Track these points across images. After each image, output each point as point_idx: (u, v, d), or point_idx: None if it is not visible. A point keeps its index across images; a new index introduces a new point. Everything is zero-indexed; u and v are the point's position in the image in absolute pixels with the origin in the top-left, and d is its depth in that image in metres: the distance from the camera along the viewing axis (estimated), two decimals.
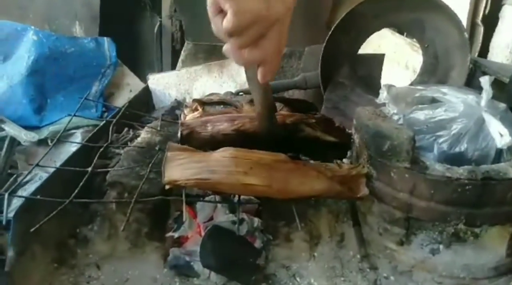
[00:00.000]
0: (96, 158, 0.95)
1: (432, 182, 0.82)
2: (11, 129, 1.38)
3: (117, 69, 1.67)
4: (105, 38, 1.65)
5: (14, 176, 1.24)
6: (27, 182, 1.17)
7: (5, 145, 1.34)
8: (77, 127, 1.44)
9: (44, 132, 1.44)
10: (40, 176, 1.17)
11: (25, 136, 1.37)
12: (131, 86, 1.67)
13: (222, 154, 0.85)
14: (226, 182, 0.82)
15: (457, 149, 0.88)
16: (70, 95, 1.55)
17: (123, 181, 0.96)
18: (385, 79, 1.54)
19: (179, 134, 0.95)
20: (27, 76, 1.50)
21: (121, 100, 1.59)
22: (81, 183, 0.84)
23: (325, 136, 1.00)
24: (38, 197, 0.85)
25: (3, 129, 1.38)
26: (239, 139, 0.93)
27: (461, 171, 0.81)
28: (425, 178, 0.82)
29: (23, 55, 1.53)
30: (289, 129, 0.97)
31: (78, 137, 1.39)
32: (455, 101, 0.93)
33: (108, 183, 0.96)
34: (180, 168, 0.83)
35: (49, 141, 1.39)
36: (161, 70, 1.85)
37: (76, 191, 0.82)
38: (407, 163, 0.83)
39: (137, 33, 1.91)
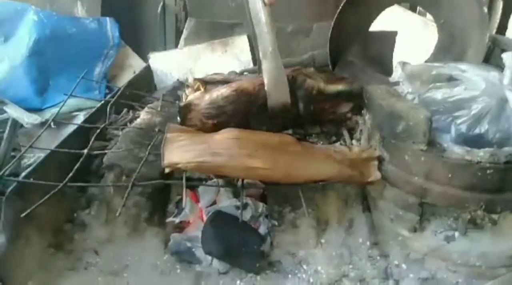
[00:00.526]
0: (92, 139, 0.90)
1: (450, 165, 0.76)
2: (13, 111, 1.33)
3: (120, 50, 1.61)
4: (107, 18, 1.60)
5: (16, 158, 1.21)
6: (30, 165, 1.14)
7: (8, 128, 1.30)
8: (80, 109, 1.40)
9: (47, 114, 1.40)
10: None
11: (27, 119, 1.34)
12: (134, 67, 1.62)
13: (225, 136, 0.80)
14: (229, 165, 0.78)
15: (476, 131, 0.82)
16: (72, 77, 1.50)
17: (120, 163, 0.91)
18: (396, 59, 1.46)
19: (178, 106, 0.90)
20: (28, 57, 1.46)
21: (125, 81, 1.53)
22: (76, 166, 0.79)
23: (330, 86, 0.95)
24: (31, 180, 0.80)
25: (5, 112, 1.34)
26: (241, 100, 0.90)
27: (482, 154, 0.75)
28: (443, 161, 0.76)
29: (24, 36, 1.49)
30: (290, 82, 0.92)
31: (80, 120, 1.35)
32: (475, 79, 0.86)
33: (105, 165, 0.92)
34: (181, 150, 0.78)
35: (51, 124, 1.36)
36: (164, 50, 1.79)
37: (70, 174, 0.78)
38: (423, 145, 0.78)
39: (140, 13, 1.84)
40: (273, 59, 0.91)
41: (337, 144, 1.05)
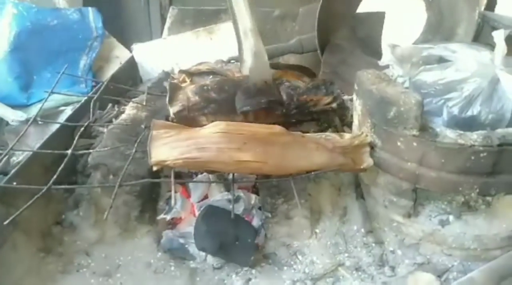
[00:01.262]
0: (76, 138, 0.87)
1: (443, 150, 0.75)
2: None
3: (105, 41, 1.56)
4: (89, 8, 1.54)
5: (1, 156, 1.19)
6: (19, 162, 1.11)
7: None
8: (67, 104, 1.35)
9: (33, 110, 1.35)
10: None
11: (12, 116, 1.29)
12: (120, 58, 1.57)
13: (212, 130, 0.78)
14: (218, 160, 0.75)
15: (469, 113, 0.81)
16: (57, 71, 1.46)
17: (107, 162, 0.89)
18: (385, 39, 1.44)
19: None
20: (10, 53, 1.40)
21: (111, 73, 1.50)
22: (60, 168, 0.77)
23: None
24: (14, 184, 0.78)
25: None
26: (225, 86, 0.94)
27: (475, 137, 0.73)
28: (435, 146, 0.75)
29: (4, 31, 1.42)
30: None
31: (68, 114, 1.32)
32: (466, 59, 0.84)
33: (91, 165, 0.89)
34: (167, 147, 0.76)
35: (38, 120, 1.33)
36: (150, 39, 1.74)
37: (55, 176, 0.75)
38: (415, 130, 0.76)
39: (123, 2, 1.79)
40: (253, 37, 0.93)
41: (328, 132, 1.04)
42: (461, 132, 0.75)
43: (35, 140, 0.97)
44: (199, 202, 0.93)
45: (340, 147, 0.83)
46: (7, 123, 1.29)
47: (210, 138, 0.76)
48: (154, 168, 0.76)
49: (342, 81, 1.30)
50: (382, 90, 0.81)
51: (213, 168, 0.77)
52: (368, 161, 0.85)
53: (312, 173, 0.81)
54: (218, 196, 0.92)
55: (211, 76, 1.03)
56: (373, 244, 0.88)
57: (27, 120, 1.30)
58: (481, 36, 1.35)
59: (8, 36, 1.41)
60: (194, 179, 0.93)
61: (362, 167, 0.85)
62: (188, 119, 0.90)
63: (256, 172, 0.81)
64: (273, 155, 0.78)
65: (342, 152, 0.83)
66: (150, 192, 0.92)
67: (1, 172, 0.81)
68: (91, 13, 1.53)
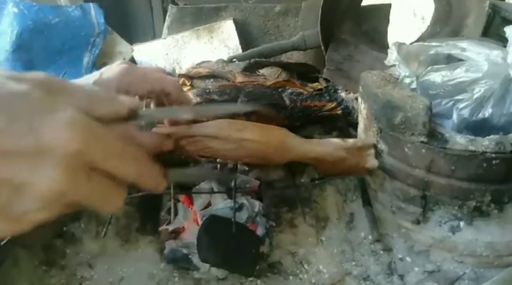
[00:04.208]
0: None
1: (452, 157, 0.71)
2: None
3: (107, 37, 1.54)
4: (91, 4, 1.52)
5: None
6: None
7: None
8: None
9: None
10: None
11: None
12: (123, 54, 1.55)
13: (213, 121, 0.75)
14: (219, 136, 0.71)
15: (480, 115, 0.77)
16: (60, 69, 1.45)
17: None
18: (391, 32, 1.39)
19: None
20: (13, 52, 1.40)
21: None
22: None
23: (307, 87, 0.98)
24: None
25: None
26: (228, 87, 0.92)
27: (486, 143, 0.70)
28: (445, 153, 0.72)
29: (6, 30, 1.42)
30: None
31: None
32: (476, 58, 0.80)
33: None
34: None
35: None
36: (153, 35, 1.72)
37: None
38: (423, 136, 0.73)
39: None
40: None
41: (333, 133, 1.01)
42: (472, 137, 0.72)
43: None
44: (202, 210, 0.91)
45: (344, 148, 0.80)
46: None
47: (212, 122, 0.73)
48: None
49: (347, 79, 1.26)
50: (388, 93, 0.77)
51: (213, 148, 0.73)
52: (372, 162, 0.82)
53: (316, 181, 0.78)
54: (221, 204, 0.90)
55: (211, 79, 1.01)
56: (381, 252, 0.85)
57: None
58: (491, 27, 1.30)
59: (10, 36, 1.40)
60: (195, 189, 0.91)
61: (366, 166, 0.82)
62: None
63: (257, 154, 0.76)
64: (274, 137, 0.75)
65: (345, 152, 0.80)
66: (151, 202, 0.91)
67: None
68: (93, 9, 1.51)
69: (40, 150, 0.27)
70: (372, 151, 0.82)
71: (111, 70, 0.66)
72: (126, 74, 0.65)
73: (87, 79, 0.66)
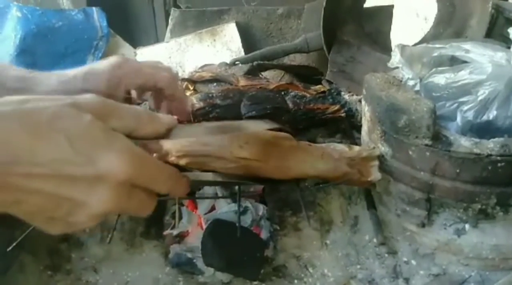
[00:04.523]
0: None
1: (457, 160, 0.71)
2: None
3: (110, 40, 1.55)
4: (93, 8, 1.53)
5: None
6: None
7: None
8: None
9: None
10: None
11: None
12: (127, 57, 1.56)
13: (214, 124, 0.75)
14: (219, 155, 0.71)
15: (484, 117, 0.77)
16: None
17: None
18: (394, 33, 1.39)
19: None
20: (17, 56, 1.42)
21: None
22: None
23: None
24: None
25: None
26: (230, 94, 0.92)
27: (491, 146, 0.70)
28: (450, 156, 0.71)
29: (10, 34, 1.44)
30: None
31: None
32: (480, 60, 0.80)
33: None
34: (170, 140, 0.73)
35: None
36: (156, 38, 1.72)
37: None
38: (427, 139, 0.72)
39: (127, 0, 1.76)
40: None
41: (337, 136, 1.01)
42: (477, 140, 0.71)
43: None
44: (206, 214, 0.91)
45: (347, 158, 0.80)
46: None
47: (213, 138, 0.73)
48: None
49: (350, 80, 1.26)
50: (391, 96, 0.77)
51: (213, 166, 0.73)
52: (375, 175, 0.80)
53: (321, 185, 0.78)
54: (225, 208, 0.90)
55: (214, 84, 1.01)
56: (386, 255, 0.85)
57: None
58: (495, 27, 1.29)
59: (13, 40, 1.42)
60: (199, 193, 0.91)
61: (369, 179, 0.81)
62: None
63: (257, 172, 0.76)
64: (274, 156, 0.75)
65: (348, 162, 0.79)
66: (155, 206, 0.91)
67: None
68: (96, 13, 1.53)
69: (97, 177, 0.34)
70: (377, 162, 0.81)
71: (104, 63, 0.66)
72: (118, 67, 0.65)
73: (80, 70, 0.67)
